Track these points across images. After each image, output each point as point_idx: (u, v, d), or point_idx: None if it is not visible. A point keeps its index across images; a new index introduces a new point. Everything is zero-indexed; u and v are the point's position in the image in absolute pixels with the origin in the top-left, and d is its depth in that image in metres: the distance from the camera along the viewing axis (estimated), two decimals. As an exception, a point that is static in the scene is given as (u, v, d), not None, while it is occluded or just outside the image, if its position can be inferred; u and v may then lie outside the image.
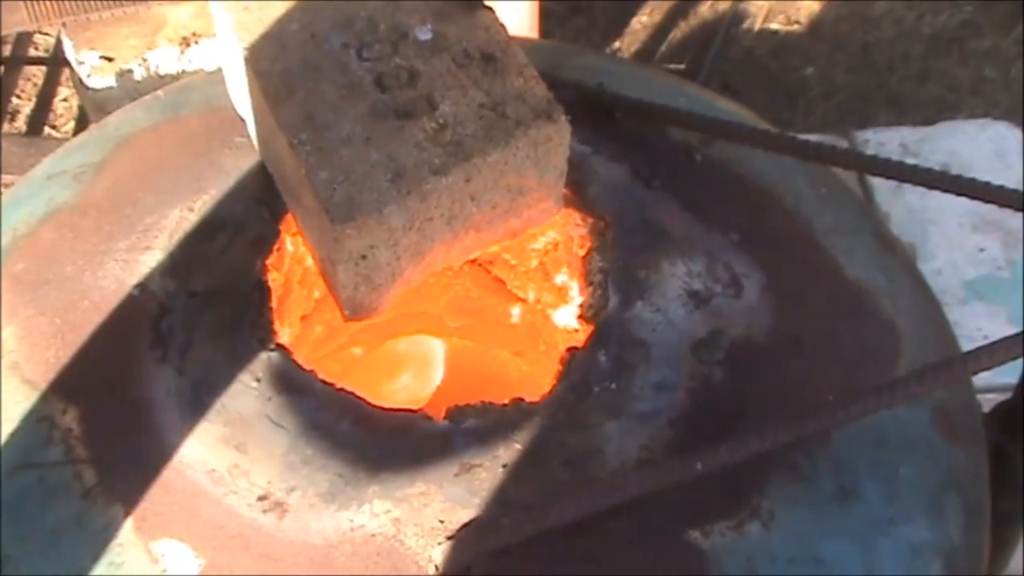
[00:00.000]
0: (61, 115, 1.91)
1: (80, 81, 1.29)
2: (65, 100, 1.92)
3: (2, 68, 1.87)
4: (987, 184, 0.67)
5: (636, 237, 0.71)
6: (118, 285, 0.69)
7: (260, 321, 0.67)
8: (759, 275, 0.71)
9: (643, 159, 0.76)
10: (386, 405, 0.65)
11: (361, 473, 0.61)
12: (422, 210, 0.63)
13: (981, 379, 0.63)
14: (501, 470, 0.62)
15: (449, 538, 0.59)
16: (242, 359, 0.65)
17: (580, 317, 0.71)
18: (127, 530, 0.60)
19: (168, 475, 0.62)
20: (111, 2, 1.26)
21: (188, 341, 0.66)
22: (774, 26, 1.94)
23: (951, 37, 1.98)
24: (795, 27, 1.93)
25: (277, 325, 0.68)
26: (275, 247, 0.71)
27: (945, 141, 1.65)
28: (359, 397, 0.65)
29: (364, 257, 0.63)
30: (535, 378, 0.89)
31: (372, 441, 0.63)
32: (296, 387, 0.65)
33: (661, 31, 1.99)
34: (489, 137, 0.64)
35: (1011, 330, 0.57)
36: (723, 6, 1.97)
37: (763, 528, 0.61)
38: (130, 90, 1.23)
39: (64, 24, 1.27)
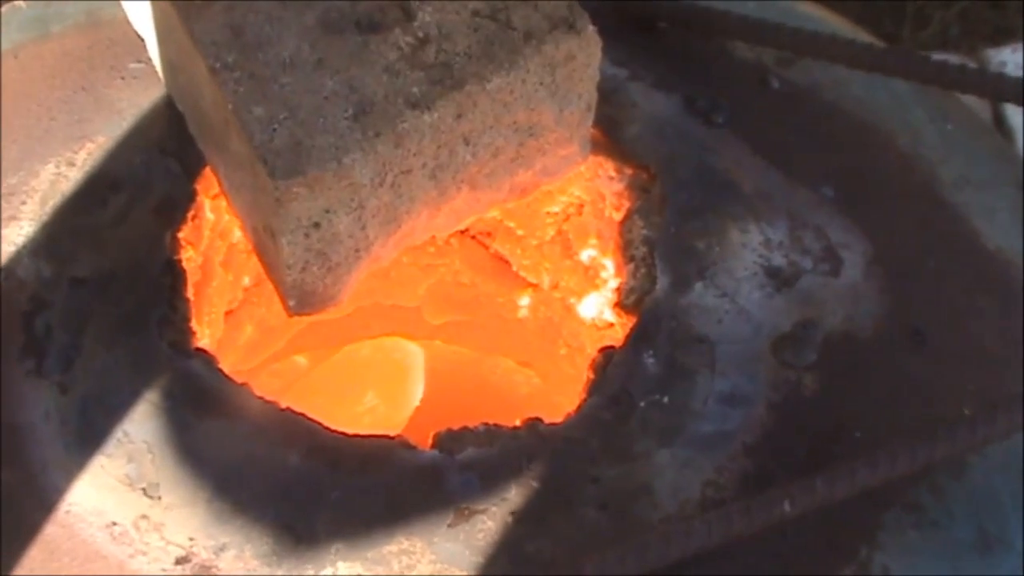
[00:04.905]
0: None
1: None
2: None
3: None
4: None
5: (692, 194, 0.72)
6: (-27, 270, 0.70)
7: (172, 317, 0.68)
8: (863, 245, 0.72)
9: (699, 86, 0.77)
10: (349, 431, 0.65)
11: (318, 524, 0.62)
12: (396, 159, 0.64)
13: None
14: (511, 518, 0.62)
15: (442, 612, 0.60)
16: (148, 369, 0.66)
17: (616, 306, 0.72)
18: (-5, 608, 0.61)
19: (52, 531, 0.62)
20: None
21: (73, 346, 0.67)
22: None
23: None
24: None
25: (194, 323, 0.69)
26: (189, 215, 0.71)
27: (1109, 61, 1.65)
28: (312, 419, 0.65)
29: (317, 225, 0.64)
30: (551, 395, 0.90)
31: (332, 479, 0.63)
32: (224, 407, 0.65)
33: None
34: (488, 56, 0.65)
35: None
36: None
37: (876, 591, 0.62)
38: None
39: None
